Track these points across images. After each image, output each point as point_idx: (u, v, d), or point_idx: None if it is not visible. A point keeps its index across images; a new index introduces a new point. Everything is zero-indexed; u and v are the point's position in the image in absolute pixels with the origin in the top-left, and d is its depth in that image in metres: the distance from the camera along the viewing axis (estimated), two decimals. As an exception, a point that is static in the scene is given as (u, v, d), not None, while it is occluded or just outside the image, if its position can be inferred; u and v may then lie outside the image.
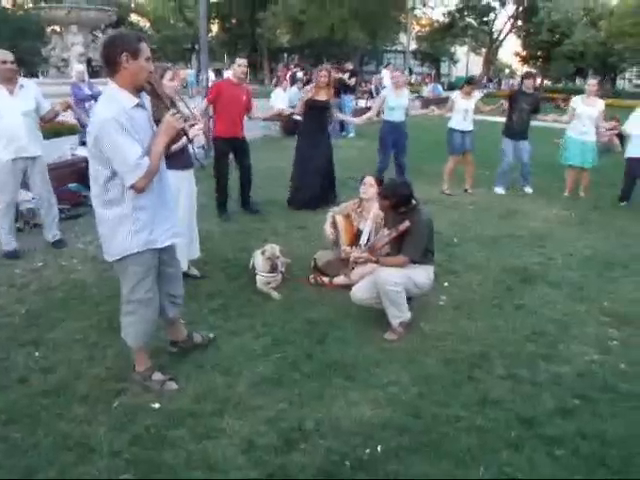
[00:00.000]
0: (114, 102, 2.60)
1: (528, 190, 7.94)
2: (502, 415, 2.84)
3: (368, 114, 7.87)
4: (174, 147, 3.57)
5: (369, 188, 4.42)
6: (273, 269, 4.31)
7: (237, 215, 6.43)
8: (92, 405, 2.83)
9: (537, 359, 3.41)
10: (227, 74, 20.08)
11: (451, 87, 41.66)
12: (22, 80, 5.07)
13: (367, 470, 2.44)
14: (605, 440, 2.66)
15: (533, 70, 42.51)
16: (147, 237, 2.77)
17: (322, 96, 6.62)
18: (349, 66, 14.91)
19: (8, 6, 40.41)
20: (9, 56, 4.86)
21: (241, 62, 6.15)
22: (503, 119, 8.09)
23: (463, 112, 7.66)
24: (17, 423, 2.69)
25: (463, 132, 7.71)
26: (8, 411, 2.77)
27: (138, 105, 2.69)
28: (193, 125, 3.78)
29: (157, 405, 2.85)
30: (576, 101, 7.62)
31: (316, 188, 6.68)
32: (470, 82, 8.09)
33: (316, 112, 6.66)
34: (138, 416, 2.74)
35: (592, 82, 7.70)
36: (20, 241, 5.29)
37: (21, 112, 4.86)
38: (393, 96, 7.46)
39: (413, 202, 3.62)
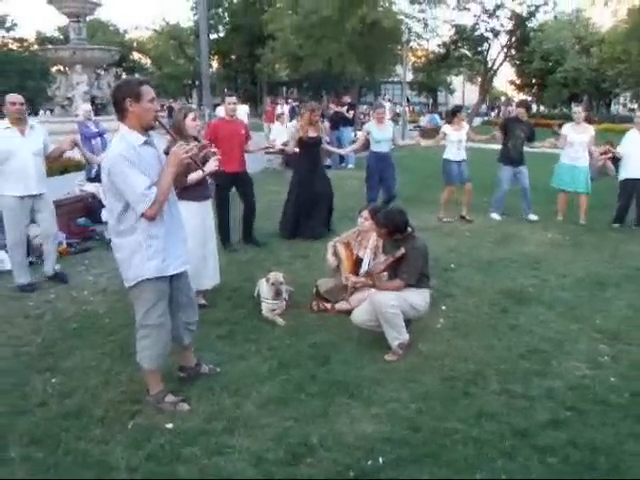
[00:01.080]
0: (124, 141, 2.89)
1: (532, 217, 7.98)
2: (497, 427, 3.00)
3: (353, 146, 8.59)
4: (190, 178, 3.80)
5: (365, 222, 4.64)
6: (277, 295, 4.49)
7: (241, 246, 6.65)
8: (109, 426, 3.00)
9: (531, 375, 3.58)
10: (221, 109, 20.54)
11: (448, 115, 42.44)
12: (31, 121, 5.36)
13: (370, 479, 2.59)
14: (595, 448, 2.82)
15: (528, 98, 43.38)
16: (159, 264, 2.99)
17: (312, 132, 6.87)
18: (347, 99, 15.32)
19: (14, 47, 41.51)
20: (19, 98, 5.14)
21: (230, 100, 6.36)
22: (493, 146, 8.30)
23: (457, 143, 7.91)
24: (38, 444, 2.85)
25: (459, 162, 7.96)
26: (30, 433, 2.94)
27: (146, 143, 2.96)
28: (207, 156, 4.02)
29: (170, 425, 3.01)
30: (567, 128, 7.86)
31: (309, 219, 6.90)
32: (455, 113, 8.35)
33: (309, 148, 6.92)
34: (153, 435, 2.91)
35: (577, 109, 7.96)
36: (35, 274, 5.51)
37: (32, 152, 5.11)
38: (376, 130, 7.69)
39: (408, 229, 3.84)
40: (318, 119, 7.07)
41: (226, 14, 43.70)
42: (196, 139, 4.11)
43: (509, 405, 3.22)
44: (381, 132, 7.68)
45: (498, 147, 8.30)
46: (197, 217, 4.30)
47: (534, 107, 53.88)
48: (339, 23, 25.32)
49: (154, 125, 3.03)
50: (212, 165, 3.94)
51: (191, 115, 4.17)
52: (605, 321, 4.46)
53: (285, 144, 8.02)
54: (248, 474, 2.62)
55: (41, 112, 29.76)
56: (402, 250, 3.70)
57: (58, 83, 17.62)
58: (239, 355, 3.84)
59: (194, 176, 3.87)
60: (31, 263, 5.99)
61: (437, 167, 9.44)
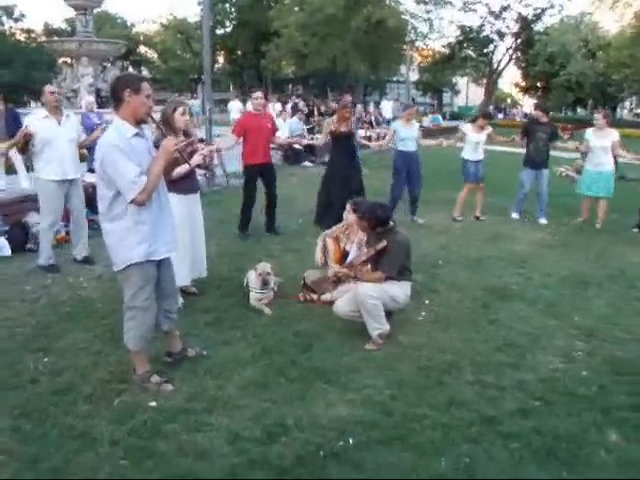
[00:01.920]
0: (116, 131, 3.06)
1: (543, 221, 8.04)
2: (466, 414, 3.13)
3: (381, 142, 8.86)
4: (176, 171, 3.95)
5: (348, 214, 4.78)
6: (265, 284, 4.63)
7: (235, 238, 6.79)
8: (95, 403, 3.15)
9: (504, 367, 3.71)
10: (232, 105, 20.62)
11: (453, 117, 42.51)
12: (66, 111, 5.73)
13: (339, 458, 2.73)
14: (557, 436, 2.95)
15: (533, 101, 43.37)
16: (147, 249, 3.15)
17: (344, 127, 7.22)
18: (348, 98, 15.39)
19: (22, 39, 41.69)
20: (57, 89, 5.64)
21: (257, 95, 6.79)
22: (511, 149, 8.25)
23: (474, 144, 8.02)
24: (28, 417, 3.01)
25: (476, 162, 8.09)
26: (20, 407, 3.09)
27: (137, 134, 3.13)
28: (194, 151, 4.19)
29: (154, 403, 3.16)
30: (589, 134, 7.86)
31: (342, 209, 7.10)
32: (485, 117, 8.43)
33: (341, 141, 7.28)
34: (136, 412, 3.06)
35: (597, 116, 7.94)
36: (31, 261, 5.67)
37: (68, 139, 5.49)
38: (403, 128, 7.87)
39: (390, 223, 3.97)
40: (350, 115, 7.48)
41: (233, 9, 43.78)
42: (185, 133, 4.26)
43: (480, 394, 3.35)
44: (408, 130, 7.85)
45: (516, 150, 8.30)
46: (184, 209, 4.42)
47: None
48: (344, 21, 25.48)
49: (147, 120, 3.21)
50: (197, 159, 4.11)
51: (180, 109, 4.29)
52: (583, 318, 4.58)
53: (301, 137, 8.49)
54: (223, 451, 2.76)
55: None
56: (384, 242, 3.83)
57: (64, 75, 17.75)
58: (224, 341, 3.98)
59: (180, 170, 4.02)
60: (30, 250, 6.17)
61: (439, 165, 9.54)
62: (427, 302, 4.81)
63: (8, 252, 6.03)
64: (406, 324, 4.32)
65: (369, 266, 4.08)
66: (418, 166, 7.99)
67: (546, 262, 6.13)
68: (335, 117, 7.44)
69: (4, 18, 39.07)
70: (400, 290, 3.96)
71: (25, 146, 5.44)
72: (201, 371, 3.53)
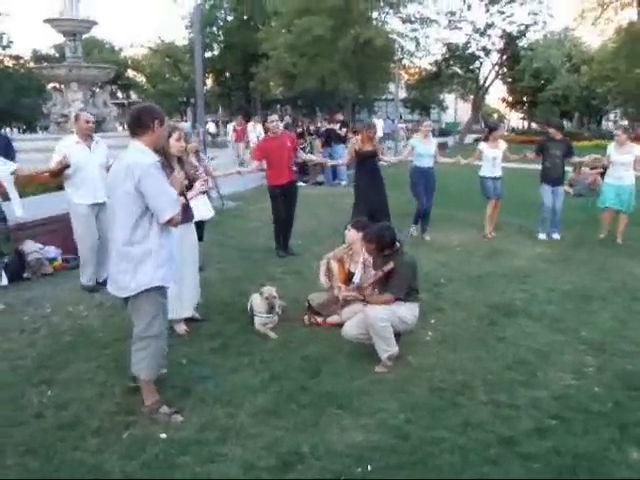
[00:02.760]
0: (147, 153, 3.12)
1: (556, 237, 8.00)
2: (483, 436, 3.09)
3: (399, 157, 9.35)
4: None
5: (348, 233, 4.80)
6: (271, 308, 4.58)
7: (234, 261, 6.74)
8: (104, 436, 3.07)
9: (516, 385, 3.67)
10: (230, 126, 20.24)
11: (442, 133, 42.87)
12: (96, 137, 5.84)
13: (359, 486, 2.67)
14: (577, 454, 2.91)
15: (520, 115, 43.90)
16: (166, 273, 3.17)
17: (368, 147, 7.34)
18: (339, 117, 15.52)
19: (9, 65, 41.75)
20: (91, 117, 5.75)
21: (273, 118, 7.03)
22: (527, 165, 8.12)
23: (491, 160, 8.04)
24: (34, 454, 2.92)
25: (493, 178, 8.09)
26: (26, 443, 3.00)
27: (159, 161, 3.19)
28: (194, 179, 4.18)
29: (164, 435, 3.08)
30: (610, 149, 7.90)
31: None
32: (492, 130, 8.46)
33: (366, 160, 7.36)
34: (147, 445, 2.98)
35: (617, 132, 8.00)
36: (28, 290, 5.59)
37: (98, 164, 5.59)
38: (421, 144, 7.94)
39: (397, 245, 3.95)
40: (374, 135, 7.64)
41: (221, 32, 44.15)
42: (179, 159, 4.22)
43: (495, 414, 3.31)
44: (425, 147, 7.92)
45: (531, 167, 8.22)
46: (181, 237, 4.25)
47: (525, 124, 54.69)
48: (332, 42, 25.74)
49: (160, 150, 3.30)
50: (198, 188, 4.13)
51: (175, 135, 4.23)
52: (590, 333, 4.56)
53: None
54: (240, 481, 2.69)
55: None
56: (391, 265, 3.81)
57: (54, 100, 17.77)
58: (232, 368, 3.91)
59: (180, 199, 4.01)
60: (27, 279, 6.09)
61: (450, 183, 9.46)
62: (433, 321, 4.77)
63: (5, 282, 5.93)
64: (414, 345, 4.28)
65: (376, 288, 4.05)
66: (433, 183, 8.06)
67: (548, 277, 6.13)
68: (359, 137, 7.57)
69: (-8, 46, 39.14)
70: (408, 311, 3.92)
71: (60, 173, 5.54)
72: (210, 400, 3.46)
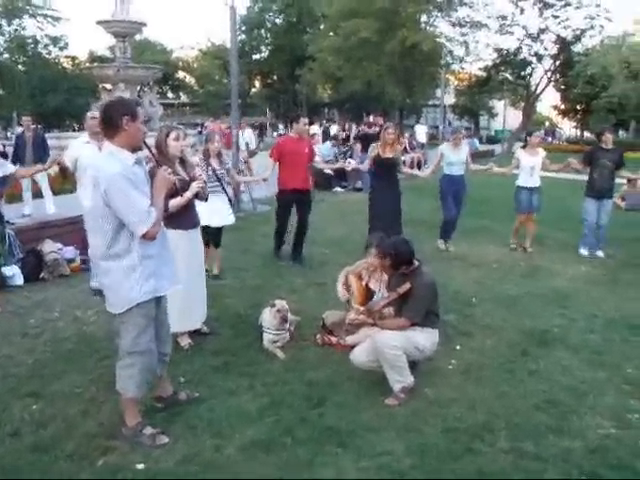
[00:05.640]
0: (117, 159, 2.77)
1: (600, 254, 7.41)
2: (499, 493, 2.67)
3: (426, 171, 8.91)
4: (172, 204, 3.66)
5: (373, 251, 4.33)
6: (284, 322, 4.25)
7: (255, 270, 6.46)
8: (77, 463, 2.83)
9: (545, 431, 3.21)
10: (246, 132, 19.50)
11: (490, 140, 41.76)
12: None
13: None
14: (611, 527, 2.46)
15: (573, 124, 42.24)
16: (154, 285, 2.88)
17: (388, 153, 6.73)
18: (380, 121, 15.12)
19: (67, 66, 43.37)
20: (97, 113, 5.49)
21: (304, 121, 6.73)
22: (568, 176, 7.65)
23: (529, 169, 7.52)
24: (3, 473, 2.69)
25: (531, 189, 7.56)
26: (-5, 465, 2.78)
27: (137, 162, 2.87)
28: (192, 179, 3.94)
29: (141, 466, 2.81)
30: None
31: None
32: (529, 135, 7.97)
33: (384, 168, 6.81)
34: (119, 475, 2.70)
35: None
36: (42, 291, 5.46)
37: None
38: (451, 152, 7.55)
39: (415, 263, 3.56)
40: (394, 139, 6.90)
41: (268, 35, 44.42)
42: (180, 160, 3.98)
43: (516, 466, 2.88)
44: (455, 155, 7.55)
45: (571, 177, 7.71)
46: (186, 245, 4.03)
47: (579, 133, 52.70)
48: (378, 45, 25.36)
49: (141, 146, 2.94)
50: (194, 188, 3.86)
51: (173, 134, 3.97)
52: (637, 370, 4.03)
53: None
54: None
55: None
56: (407, 285, 3.42)
57: (103, 100, 18.10)
58: (230, 390, 3.60)
59: (175, 202, 3.71)
60: (43, 279, 5.98)
61: (488, 193, 9.01)
62: (458, 348, 4.33)
63: (20, 281, 5.82)
64: (434, 374, 3.86)
65: (391, 310, 3.66)
66: (463, 191, 7.66)
67: (591, 300, 5.58)
68: (379, 141, 6.91)
69: (51, 47, 40.56)
70: (426, 338, 3.52)
71: (63, 172, 5.41)
72: (200, 427, 3.16)
